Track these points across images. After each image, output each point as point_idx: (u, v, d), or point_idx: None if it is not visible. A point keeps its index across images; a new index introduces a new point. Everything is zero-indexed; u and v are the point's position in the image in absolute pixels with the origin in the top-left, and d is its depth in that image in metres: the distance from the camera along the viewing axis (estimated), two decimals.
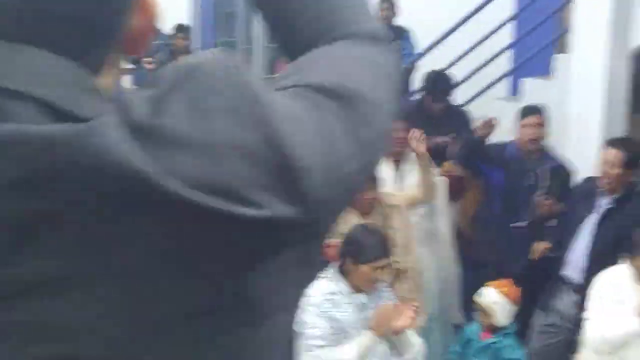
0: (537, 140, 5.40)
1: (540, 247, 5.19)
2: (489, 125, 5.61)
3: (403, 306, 3.84)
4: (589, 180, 4.98)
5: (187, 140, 0.75)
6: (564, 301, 4.89)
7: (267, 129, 0.78)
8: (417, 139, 4.99)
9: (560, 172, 5.35)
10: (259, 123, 0.78)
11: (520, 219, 5.28)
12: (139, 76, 8.28)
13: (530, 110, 5.55)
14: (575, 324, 4.72)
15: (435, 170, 5.44)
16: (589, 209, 4.81)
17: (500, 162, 5.45)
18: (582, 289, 4.63)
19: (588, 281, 4.59)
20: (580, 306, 4.65)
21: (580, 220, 4.82)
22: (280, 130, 0.79)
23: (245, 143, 0.77)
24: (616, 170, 4.68)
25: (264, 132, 0.77)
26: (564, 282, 4.89)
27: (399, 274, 4.55)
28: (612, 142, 4.84)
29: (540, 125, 5.42)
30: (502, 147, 5.57)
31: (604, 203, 4.79)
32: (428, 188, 4.96)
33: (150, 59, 8.34)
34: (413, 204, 4.96)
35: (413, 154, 5.29)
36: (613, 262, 4.32)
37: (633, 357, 3.98)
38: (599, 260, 4.55)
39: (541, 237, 5.21)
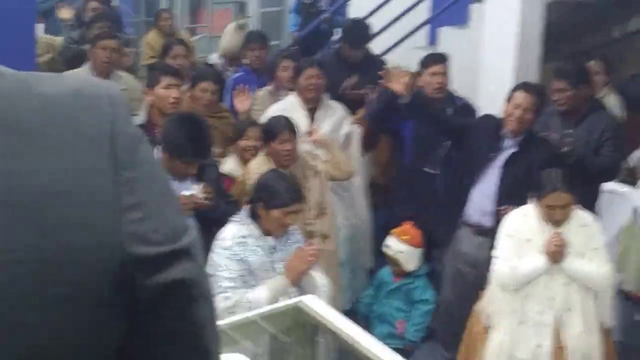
0: (442, 87, 5.51)
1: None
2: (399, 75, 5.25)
3: (306, 248, 3.93)
4: (489, 119, 5.04)
5: None
6: (467, 243, 4.96)
7: None
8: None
9: (468, 111, 5.46)
10: None
11: (430, 165, 5.37)
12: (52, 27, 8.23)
13: (434, 59, 5.62)
14: (482, 265, 4.79)
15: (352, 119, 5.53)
16: (493, 151, 4.87)
17: (410, 113, 5.36)
18: (488, 231, 4.75)
19: (497, 223, 4.68)
20: (482, 248, 4.80)
21: (484, 161, 4.87)
22: None
23: None
24: (529, 115, 4.77)
25: None
26: (467, 225, 4.95)
27: (310, 236, 4.56)
28: (525, 87, 4.89)
29: (445, 73, 5.53)
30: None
31: (507, 146, 4.86)
32: (338, 166, 5.00)
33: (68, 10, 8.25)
34: (332, 178, 5.00)
35: (327, 101, 5.39)
36: (520, 204, 4.43)
37: (538, 293, 4.15)
38: (507, 202, 4.63)
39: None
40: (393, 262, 4.83)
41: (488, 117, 5.08)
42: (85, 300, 0.78)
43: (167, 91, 4.79)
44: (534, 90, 4.88)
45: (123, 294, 0.80)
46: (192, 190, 4.13)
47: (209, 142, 4.39)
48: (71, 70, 6.00)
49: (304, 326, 2.44)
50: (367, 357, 2.26)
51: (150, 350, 0.87)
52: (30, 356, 0.76)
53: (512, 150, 4.84)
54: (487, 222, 4.81)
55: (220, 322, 2.34)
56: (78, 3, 8.49)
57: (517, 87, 4.93)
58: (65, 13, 8.16)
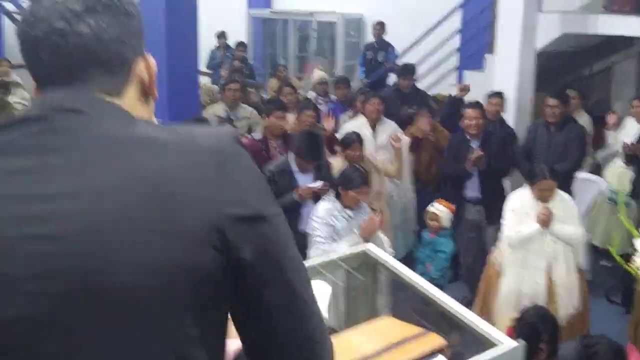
0: (498, 112, 5.35)
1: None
2: (465, 88, 5.83)
3: (376, 216, 3.85)
4: (458, 133, 5.04)
5: None
6: (470, 212, 4.91)
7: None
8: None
9: (509, 133, 5.29)
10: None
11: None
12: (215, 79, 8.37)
13: (495, 94, 5.45)
14: (479, 225, 4.86)
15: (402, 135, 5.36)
16: (469, 151, 4.83)
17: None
18: (480, 201, 4.84)
19: (485, 195, 4.83)
20: (481, 213, 4.84)
21: (465, 157, 4.83)
22: None
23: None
24: (481, 121, 4.84)
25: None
26: (466, 200, 4.91)
27: (373, 211, 4.45)
28: (471, 105, 4.98)
29: (500, 104, 5.37)
30: None
31: (475, 145, 4.87)
32: (398, 170, 4.98)
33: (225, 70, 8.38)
34: (387, 175, 4.91)
35: (384, 119, 5.27)
36: (495, 180, 4.89)
37: (533, 249, 4.02)
38: (488, 181, 4.85)
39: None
40: (431, 218, 4.66)
41: (457, 136, 5.09)
42: (193, 237, 0.81)
43: (277, 120, 4.69)
44: (477, 106, 4.95)
45: (220, 240, 0.82)
46: (316, 184, 4.15)
47: (322, 148, 4.37)
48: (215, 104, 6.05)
49: (369, 265, 2.35)
50: (414, 287, 2.15)
51: (243, 285, 0.86)
52: (152, 272, 0.80)
53: (479, 147, 4.85)
54: (479, 195, 4.88)
55: (312, 262, 2.29)
56: (227, 63, 8.65)
57: (467, 106, 5.01)
58: (223, 72, 8.25)
